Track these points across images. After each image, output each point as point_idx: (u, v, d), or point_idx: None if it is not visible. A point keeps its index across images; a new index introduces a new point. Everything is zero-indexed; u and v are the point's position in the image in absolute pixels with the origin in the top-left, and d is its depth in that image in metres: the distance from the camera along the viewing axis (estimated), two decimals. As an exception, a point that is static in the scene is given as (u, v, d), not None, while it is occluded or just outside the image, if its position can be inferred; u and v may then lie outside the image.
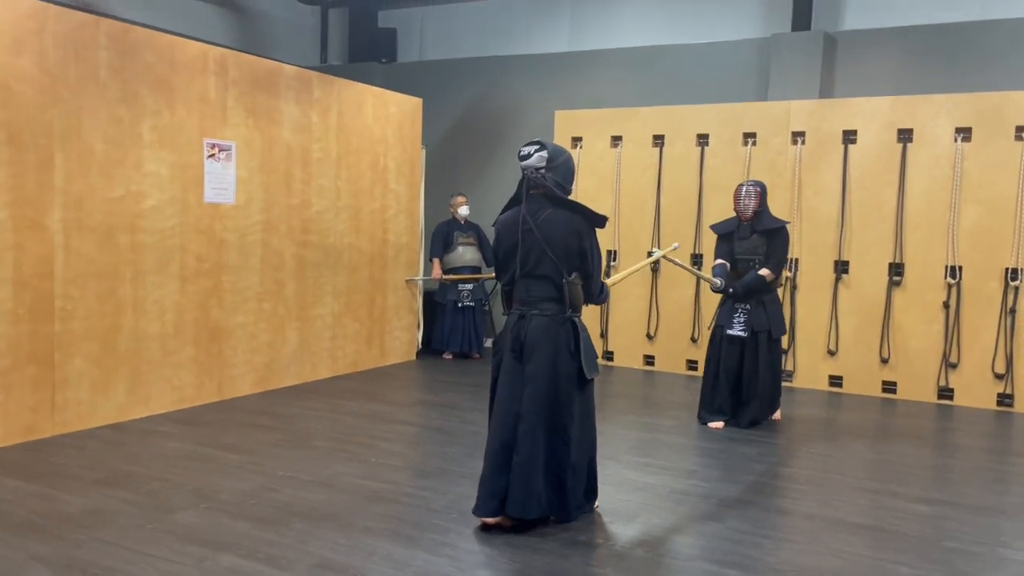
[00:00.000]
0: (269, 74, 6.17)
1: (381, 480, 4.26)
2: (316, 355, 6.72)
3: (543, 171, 3.53)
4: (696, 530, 3.68)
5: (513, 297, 3.68)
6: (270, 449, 4.76)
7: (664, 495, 4.14)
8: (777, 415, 5.74)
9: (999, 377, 6.44)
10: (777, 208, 6.74)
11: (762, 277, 5.38)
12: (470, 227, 8.03)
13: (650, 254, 4.84)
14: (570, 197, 3.64)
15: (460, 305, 7.89)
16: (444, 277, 7.88)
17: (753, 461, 4.81)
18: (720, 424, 5.51)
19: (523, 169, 3.59)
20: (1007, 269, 6.37)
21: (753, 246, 5.47)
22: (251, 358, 6.14)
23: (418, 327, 8.00)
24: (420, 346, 8.07)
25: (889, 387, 6.80)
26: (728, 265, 5.53)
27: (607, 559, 3.34)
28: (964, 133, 6.47)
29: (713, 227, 5.76)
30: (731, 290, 5.40)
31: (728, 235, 5.58)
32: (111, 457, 4.52)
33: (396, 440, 5.09)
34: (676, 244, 5.44)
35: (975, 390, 6.51)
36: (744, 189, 5.43)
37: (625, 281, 6.37)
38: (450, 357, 7.99)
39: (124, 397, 5.27)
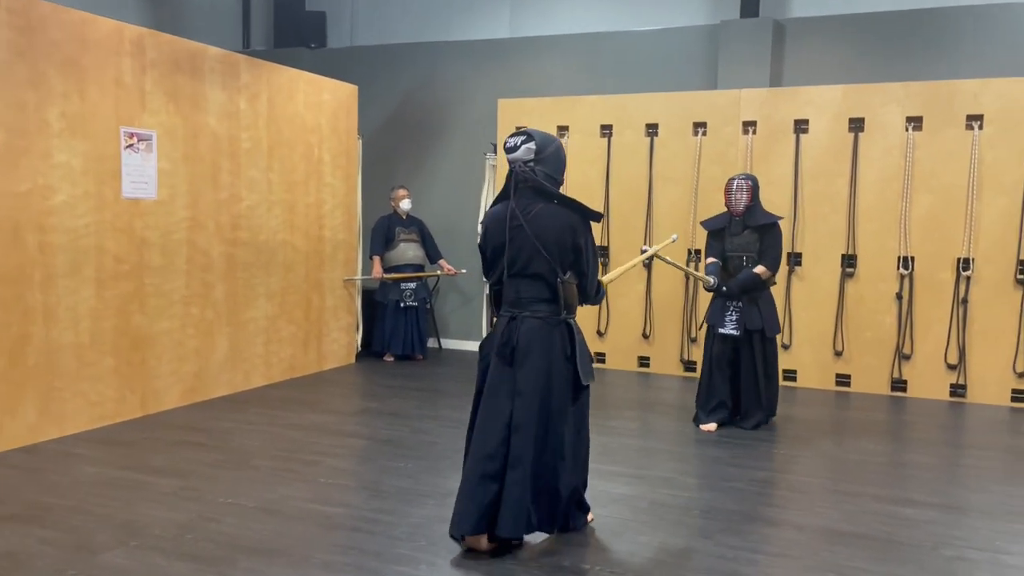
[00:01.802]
0: (191, 56, 5.63)
1: (334, 503, 3.86)
2: (249, 362, 6.22)
3: (532, 164, 3.29)
4: (686, 548, 3.42)
5: (502, 298, 3.40)
6: (206, 471, 4.29)
7: (644, 508, 3.86)
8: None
9: (952, 367, 6.42)
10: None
11: (757, 275, 5.17)
12: (412, 222, 7.62)
13: (643, 251, 4.57)
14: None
15: (403, 305, 7.48)
16: (385, 276, 7.45)
17: (726, 465, 4.59)
18: (713, 427, 5.27)
19: (510, 162, 3.31)
20: (959, 259, 6.34)
21: (745, 242, 5.25)
22: (178, 367, 5.61)
23: (357, 328, 7.56)
24: (359, 348, 7.63)
25: (843, 380, 6.71)
26: (720, 264, 5.31)
27: (598, 588, 3.04)
28: (915, 122, 6.41)
29: (704, 223, 5.51)
30: (724, 288, 5.18)
31: (719, 231, 5.35)
32: (23, 487, 3.98)
33: (344, 456, 4.68)
34: (675, 236, 5.14)
35: (928, 381, 6.48)
36: (735, 183, 5.20)
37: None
38: (391, 359, 7.58)
39: (35, 416, 4.70)
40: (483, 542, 3.27)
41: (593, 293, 3.43)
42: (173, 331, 5.56)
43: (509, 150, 3.32)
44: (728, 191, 5.23)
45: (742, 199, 5.18)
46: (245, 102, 6.07)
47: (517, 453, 3.24)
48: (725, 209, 5.35)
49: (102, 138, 5.03)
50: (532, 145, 3.28)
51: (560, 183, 3.40)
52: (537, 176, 3.29)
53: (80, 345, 4.95)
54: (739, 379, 5.31)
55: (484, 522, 3.24)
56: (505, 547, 3.32)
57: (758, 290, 5.22)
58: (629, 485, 4.18)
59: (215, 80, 5.81)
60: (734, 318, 5.23)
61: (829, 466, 4.62)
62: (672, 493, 4.09)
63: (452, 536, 3.36)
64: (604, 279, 3.61)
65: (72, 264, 4.87)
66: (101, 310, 5.06)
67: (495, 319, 3.47)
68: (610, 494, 4.02)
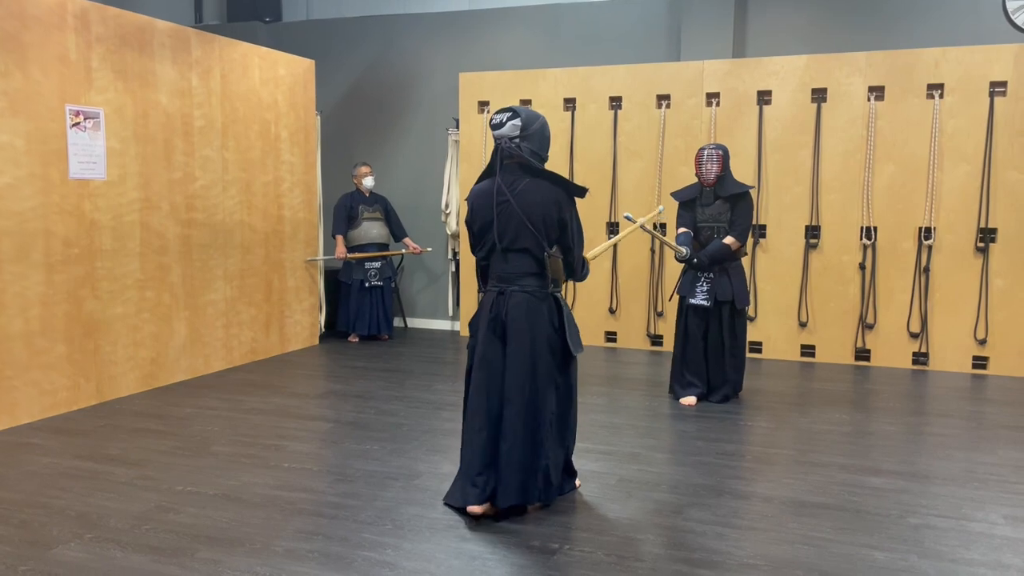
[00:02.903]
0: (139, 30, 5.43)
1: (297, 489, 3.78)
2: (209, 346, 6.08)
3: (517, 140, 3.35)
4: (655, 524, 3.39)
5: (489, 273, 3.48)
6: (164, 459, 4.18)
7: (613, 484, 3.83)
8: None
9: (914, 336, 6.48)
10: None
11: (726, 246, 5.13)
12: (376, 199, 7.48)
13: (627, 217, 4.55)
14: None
15: (367, 285, 7.36)
16: (349, 255, 7.32)
17: (693, 439, 4.58)
18: (692, 400, 5.27)
19: (496, 139, 3.39)
20: (920, 228, 6.38)
21: (717, 213, 5.20)
22: (134, 353, 5.46)
23: (320, 309, 7.43)
24: (323, 329, 7.50)
25: (808, 351, 6.75)
26: (692, 234, 5.26)
27: (568, 567, 3.00)
28: (877, 92, 6.41)
29: (674, 194, 5.44)
30: (695, 260, 5.13)
31: (690, 202, 5.29)
32: (-30, 482, 3.84)
33: (308, 440, 4.58)
34: (661, 207, 5.14)
35: (891, 350, 6.54)
36: (706, 153, 5.14)
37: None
38: (356, 340, 7.47)
39: (-17, 407, 4.55)
40: (491, 510, 3.41)
41: (579, 268, 3.50)
42: (128, 316, 5.40)
43: (495, 126, 3.36)
44: (699, 161, 5.18)
45: (712, 169, 5.13)
46: (197, 78, 5.88)
47: (509, 424, 3.35)
48: (695, 180, 5.31)
49: (46, 117, 4.83)
50: (517, 122, 3.33)
51: (545, 159, 3.44)
52: (523, 152, 3.34)
53: (30, 333, 4.78)
54: (708, 350, 5.30)
55: (488, 493, 3.39)
56: (505, 514, 3.43)
57: (728, 260, 5.20)
58: (597, 462, 4.15)
59: (165, 56, 5.61)
60: (704, 289, 5.21)
61: (796, 437, 4.63)
62: (640, 468, 4.07)
63: (449, 505, 3.48)
64: (588, 255, 3.67)
65: (19, 249, 4.69)
66: (51, 296, 4.89)
67: (481, 294, 3.54)
68: (579, 471, 3.97)
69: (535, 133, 3.37)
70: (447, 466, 4.06)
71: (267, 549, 3.13)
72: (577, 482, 3.77)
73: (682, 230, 5.27)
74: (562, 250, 3.42)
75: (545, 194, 3.33)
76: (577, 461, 4.11)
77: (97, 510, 3.50)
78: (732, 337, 5.26)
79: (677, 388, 5.37)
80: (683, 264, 5.28)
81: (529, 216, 3.31)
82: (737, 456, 4.30)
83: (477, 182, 3.53)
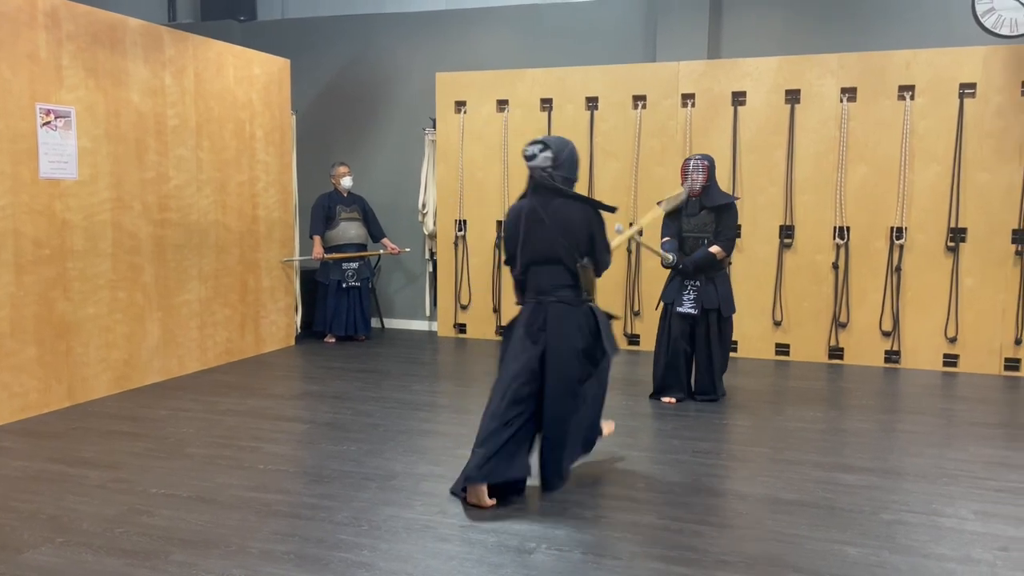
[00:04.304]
0: (111, 28, 5.37)
1: (273, 491, 3.75)
2: (183, 347, 6.03)
3: (550, 170, 3.63)
4: (631, 523, 3.41)
5: (527, 286, 3.77)
6: (138, 461, 4.13)
7: (588, 484, 3.85)
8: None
9: (886, 335, 6.56)
10: (670, 173, 6.57)
11: (712, 254, 5.17)
12: (354, 200, 7.45)
13: (618, 230, 4.65)
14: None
15: (345, 285, 7.32)
16: (326, 256, 7.28)
17: (669, 437, 4.61)
18: (673, 400, 5.32)
19: (530, 169, 3.65)
20: (892, 228, 6.47)
21: (702, 223, 5.23)
22: (107, 354, 5.40)
23: (296, 309, 7.39)
24: (299, 330, 7.46)
25: (782, 349, 6.81)
26: (677, 243, 5.30)
27: (545, 566, 3.00)
28: (849, 93, 6.48)
29: (660, 203, 5.45)
30: (680, 266, 5.18)
31: (675, 212, 5.31)
32: (-62, 486, 3.78)
33: (284, 441, 4.55)
34: (660, 201, 5.25)
35: (864, 348, 6.62)
36: (692, 163, 5.18)
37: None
38: (333, 340, 7.43)
39: (-48, 410, 4.47)
40: (485, 498, 3.52)
41: (602, 271, 3.84)
42: (100, 317, 5.33)
43: (528, 158, 3.64)
44: (684, 171, 5.21)
45: (698, 179, 5.17)
46: (170, 77, 5.82)
47: (553, 419, 3.62)
48: (679, 187, 5.33)
49: (16, 116, 4.76)
50: (549, 153, 3.62)
51: (575, 180, 3.74)
52: (555, 181, 3.63)
53: (0, 335, 4.71)
54: (694, 356, 5.34)
55: (483, 479, 3.55)
56: (504, 500, 3.59)
57: (713, 269, 5.23)
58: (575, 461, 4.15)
59: (137, 54, 5.55)
60: (692, 297, 5.24)
61: (771, 435, 4.67)
62: (617, 467, 4.09)
63: (454, 492, 3.66)
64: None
65: (-13, 249, 4.63)
66: (21, 297, 4.81)
67: (520, 307, 3.83)
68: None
69: (566, 161, 3.66)
70: (424, 466, 4.05)
71: (242, 551, 3.11)
72: (605, 431, 4.06)
73: (666, 239, 5.31)
74: (592, 261, 3.71)
75: (577, 213, 3.63)
76: (554, 460, 4.13)
77: (69, 513, 3.46)
78: (719, 343, 5.31)
79: (658, 394, 5.41)
80: (669, 270, 5.32)
81: (563, 232, 3.61)
82: (713, 454, 4.33)
83: (516, 202, 3.80)
